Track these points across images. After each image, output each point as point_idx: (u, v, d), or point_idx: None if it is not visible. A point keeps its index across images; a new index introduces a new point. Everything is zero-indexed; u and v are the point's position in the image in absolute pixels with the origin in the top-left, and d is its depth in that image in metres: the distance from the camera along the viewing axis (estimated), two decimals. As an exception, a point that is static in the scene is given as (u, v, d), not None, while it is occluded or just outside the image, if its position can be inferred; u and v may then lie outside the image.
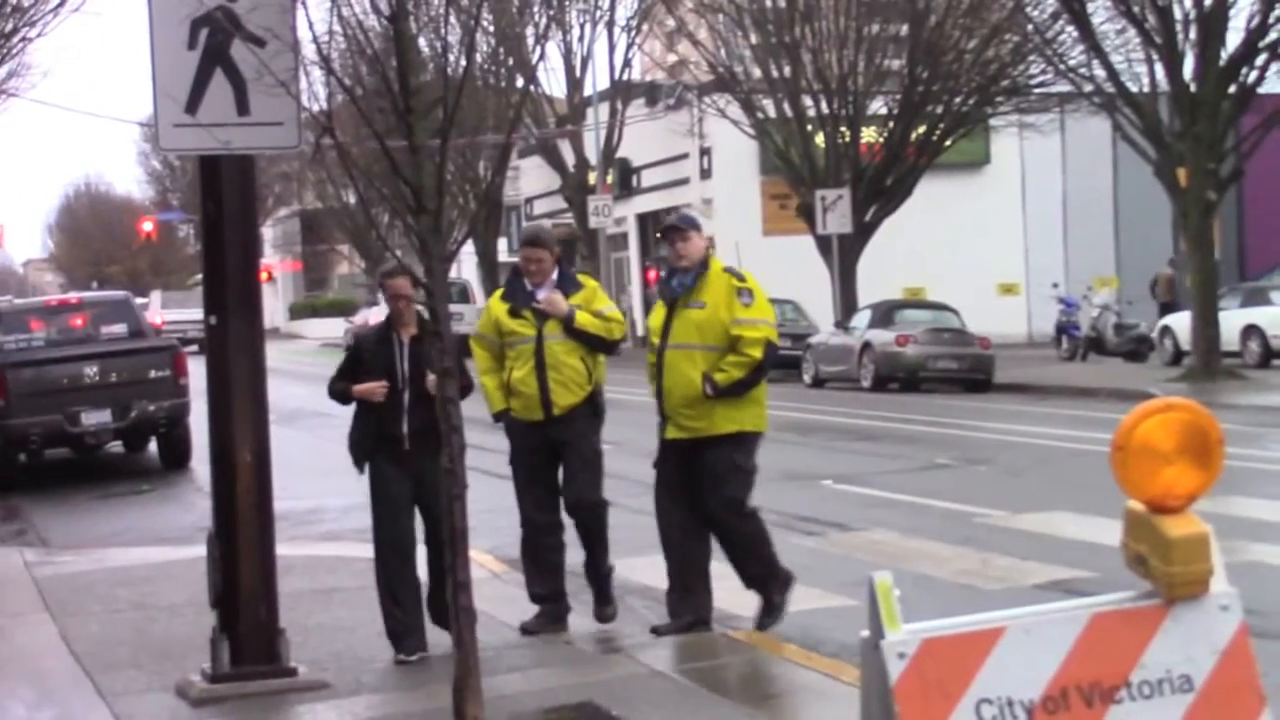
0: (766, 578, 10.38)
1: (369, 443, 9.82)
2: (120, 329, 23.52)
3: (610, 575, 10.66)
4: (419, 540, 9.95)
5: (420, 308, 9.40)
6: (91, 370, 21.94)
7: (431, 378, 9.44)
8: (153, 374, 22.20)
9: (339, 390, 9.98)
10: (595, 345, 10.35)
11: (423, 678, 9.40)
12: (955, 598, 11.13)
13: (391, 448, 9.79)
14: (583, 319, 10.24)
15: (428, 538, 9.80)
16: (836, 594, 11.75)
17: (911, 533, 14.60)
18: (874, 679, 4.29)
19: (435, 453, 9.52)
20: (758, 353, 10.06)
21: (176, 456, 22.71)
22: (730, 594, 11.60)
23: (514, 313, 10.39)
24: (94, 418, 21.87)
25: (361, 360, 9.92)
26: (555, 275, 10.41)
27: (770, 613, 10.32)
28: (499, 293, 10.85)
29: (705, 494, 10.21)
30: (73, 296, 29.44)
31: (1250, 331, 35.08)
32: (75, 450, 22.60)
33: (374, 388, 9.68)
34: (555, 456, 10.41)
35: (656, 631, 10.24)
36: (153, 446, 23.57)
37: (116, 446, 23.46)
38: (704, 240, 10.45)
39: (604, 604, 10.63)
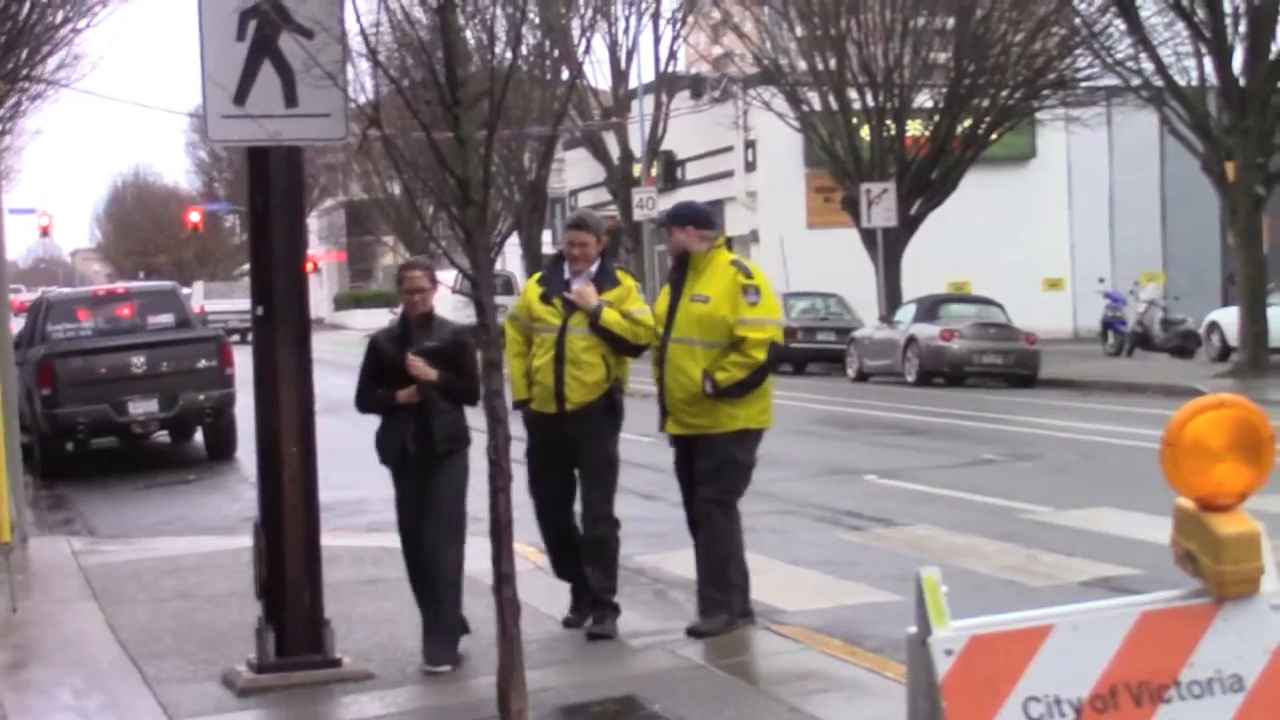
0: (717, 601, 10.04)
1: (395, 442, 9.66)
2: (167, 319, 23.63)
3: (608, 603, 10.24)
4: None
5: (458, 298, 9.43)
6: (139, 360, 22.06)
7: (414, 360, 9.40)
8: (200, 364, 22.32)
9: (380, 400, 9.67)
10: (618, 346, 10.15)
11: (467, 670, 9.41)
12: (1000, 594, 11.10)
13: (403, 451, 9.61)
14: (609, 317, 10.05)
15: (427, 535, 9.59)
16: (880, 589, 11.73)
17: (956, 528, 14.56)
18: (921, 675, 4.27)
19: (449, 455, 9.52)
20: (761, 355, 9.90)
21: (222, 446, 22.81)
22: (773, 588, 11.61)
23: (545, 298, 10.26)
24: (141, 407, 21.99)
25: (381, 359, 9.75)
26: (595, 267, 10.29)
27: (706, 628, 9.95)
28: (537, 276, 10.78)
29: (697, 484, 10.10)
30: (120, 286, 29.59)
31: (1301, 327, 34.88)
32: (122, 440, 22.71)
33: (413, 395, 9.47)
34: (568, 453, 10.22)
35: (692, 633, 10.04)
36: (198, 436, 23.68)
37: (162, 436, 23.57)
38: (689, 233, 10.15)
39: (598, 620, 10.21)
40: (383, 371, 9.58)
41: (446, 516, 9.49)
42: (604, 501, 10.26)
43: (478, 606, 9.70)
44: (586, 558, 10.34)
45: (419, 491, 9.53)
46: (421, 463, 9.49)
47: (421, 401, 9.45)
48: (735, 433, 10.02)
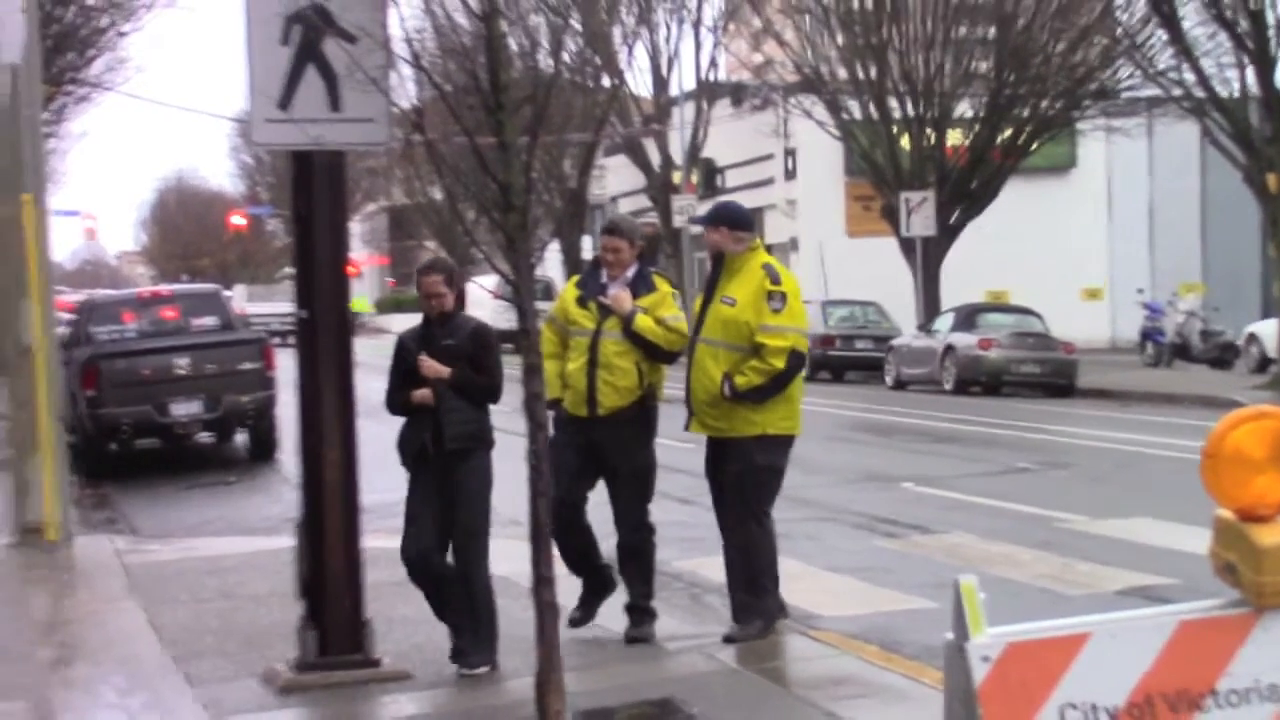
0: (752, 607, 10.03)
1: (415, 441, 9.57)
2: (210, 321, 23.72)
3: (645, 608, 10.25)
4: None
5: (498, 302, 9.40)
6: (182, 362, 22.16)
7: (425, 360, 9.37)
8: (242, 366, 22.41)
9: (400, 403, 9.62)
10: (651, 352, 10.06)
11: (505, 671, 9.42)
12: (1036, 602, 11.06)
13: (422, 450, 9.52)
14: (643, 323, 9.99)
15: (453, 540, 9.56)
16: (917, 596, 11.72)
17: (991, 536, 14.53)
18: (958, 681, 4.27)
19: (465, 455, 9.44)
20: (780, 363, 9.80)
21: (264, 447, 22.89)
22: (809, 594, 11.61)
23: (581, 302, 10.22)
24: (184, 409, 22.08)
25: (406, 360, 9.63)
26: (632, 271, 10.25)
27: (742, 634, 9.94)
28: (575, 279, 10.72)
29: (726, 489, 10.09)
30: (164, 289, 29.71)
31: (1339, 340, 34.80)
32: (165, 440, 22.80)
33: (428, 397, 9.40)
34: (595, 458, 10.11)
35: (728, 639, 10.00)
36: (240, 437, 23.77)
37: (205, 437, 23.66)
38: (724, 234, 10.13)
39: (635, 624, 10.22)
40: (409, 372, 9.57)
41: (467, 524, 9.45)
42: (639, 510, 10.24)
43: (515, 608, 9.71)
44: (622, 564, 10.34)
45: (433, 493, 9.44)
46: (438, 463, 9.42)
47: (437, 401, 9.40)
48: (756, 438, 9.95)
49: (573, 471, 10.01)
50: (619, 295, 10.07)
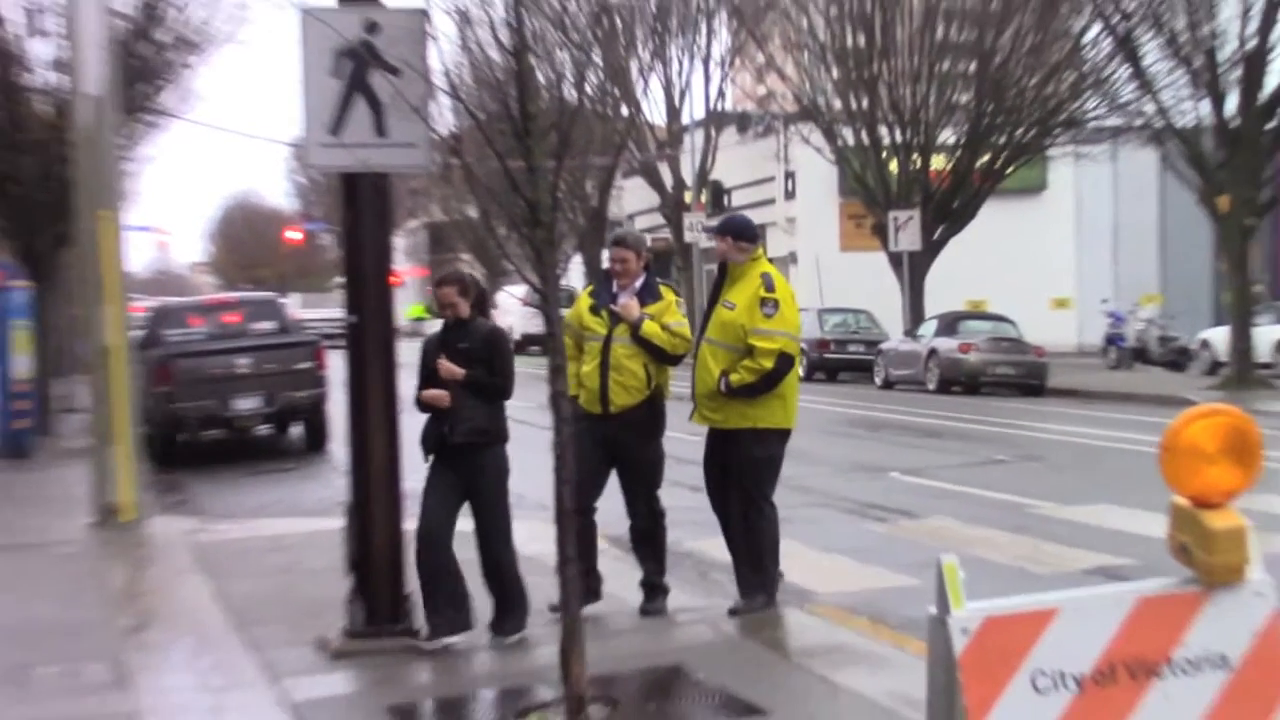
0: (755, 583, 10.00)
1: (434, 436, 9.48)
2: (269, 325, 23.77)
3: (658, 584, 10.23)
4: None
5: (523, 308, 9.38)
6: (244, 362, 22.20)
7: (442, 362, 9.29)
8: (297, 365, 22.44)
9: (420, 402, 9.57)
10: (657, 355, 10.01)
11: (531, 640, 9.42)
12: (1011, 580, 11.05)
13: (441, 444, 9.43)
14: (649, 329, 9.93)
15: (477, 526, 9.51)
16: (902, 574, 11.72)
17: (970, 521, 14.52)
18: (940, 651, 4.27)
19: (479, 449, 9.37)
20: (769, 363, 9.74)
21: (317, 439, 22.92)
22: (806, 572, 11.60)
23: (594, 310, 10.16)
24: (245, 403, 22.12)
25: (428, 363, 9.55)
26: (640, 282, 10.17)
27: (746, 608, 9.92)
28: (589, 288, 10.67)
29: (731, 480, 10.07)
30: (228, 296, 29.75)
31: (1283, 346, 34.83)
32: (228, 432, 22.85)
33: (442, 399, 9.34)
34: (609, 452, 10.04)
35: (733, 612, 10.00)
36: (296, 430, 23.79)
37: (263, 429, 23.70)
38: (730, 243, 10.07)
39: (649, 599, 10.21)
40: (430, 373, 9.47)
41: (489, 516, 9.42)
42: (650, 498, 10.22)
43: (544, 585, 9.71)
44: (636, 546, 10.34)
45: (448, 482, 9.37)
46: (454, 456, 9.34)
47: (452, 401, 9.30)
48: (751, 431, 9.93)
49: (583, 466, 9.70)
50: (628, 304, 10.03)
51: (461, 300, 9.43)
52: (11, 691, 8.77)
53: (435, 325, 9.85)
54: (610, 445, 10.04)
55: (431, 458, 9.48)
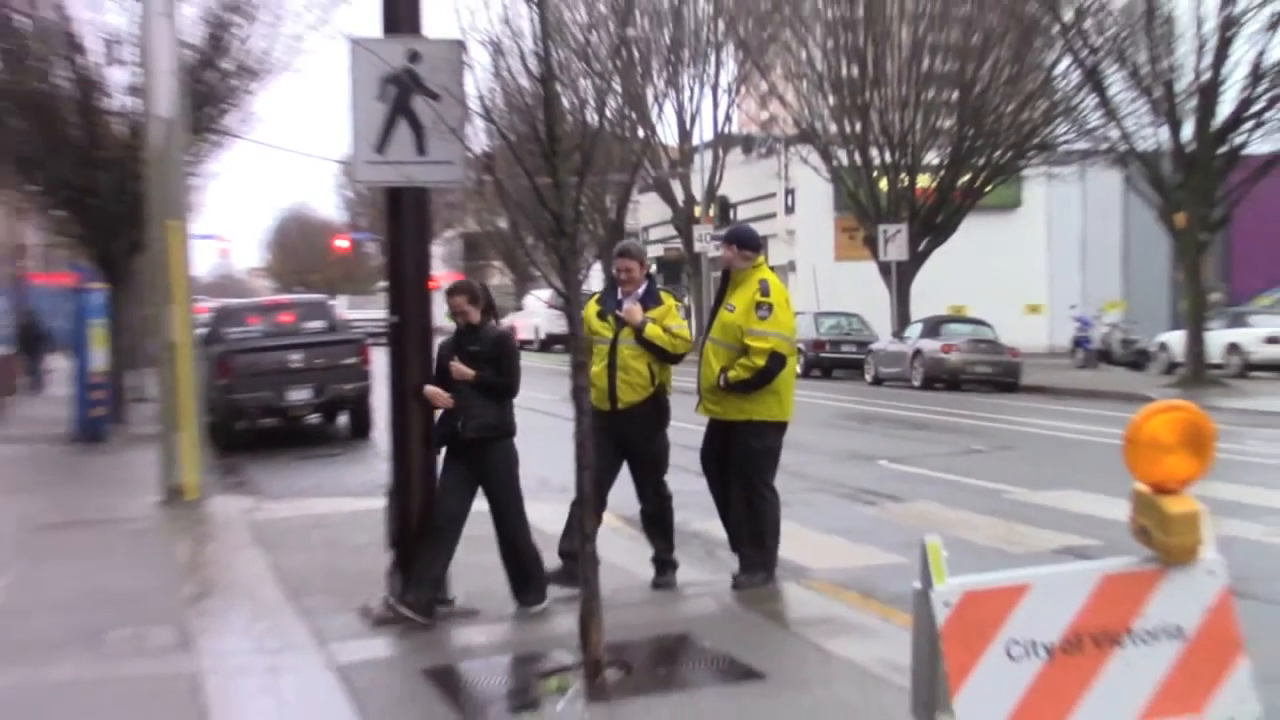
0: (756, 560, 9.97)
1: (444, 431, 9.41)
2: (319, 324, 23.82)
3: (667, 560, 10.22)
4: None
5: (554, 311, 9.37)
6: (296, 357, 22.24)
7: (454, 364, 9.22)
8: (344, 361, 22.47)
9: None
10: (660, 355, 9.96)
11: (554, 610, 9.42)
12: (987, 558, 11.03)
13: (453, 438, 9.37)
14: (652, 331, 9.89)
15: (493, 512, 9.45)
16: (890, 552, 11.69)
17: (951, 505, 14.49)
18: (924, 622, 4.26)
19: (489, 443, 9.27)
20: (761, 361, 9.71)
21: (361, 427, 22.94)
22: (803, 550, 11.58)
23: (601, 315, 10.11)
24: (297, 395, 22.16)
25: (442, 364, 9.47)
26: (642, 289, 10.11)
27: (748, 582, 9.91)
28: (596, 295, 10.57)
29: (733, 467, 10.01)
30: (282, 298, 29.77)
31: (1232, 348, 34.81)
32: (282, 420, 22.88)
33: (440, 398, 9.26)
34: (619, 445, 9.96)
35: (736, 586, 9.97)
36: (342, 419, 23.82)
37: (313, 418, 23.72)
38: (735, 251, 10.01)
39: (660, 574, 10.20)
40: (444, 374, 9.38)
41: (503, 504, 9.35)
42: (657, 483, 10.18)
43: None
44: (646, 527, 10.32)
45: (460, 473, 9.30)
46: (464, 449, 9.28)
47: (462, 399, 9.23)
48: (748, 423, 9.89)
49: (598, 459, 9.86)
50: (632, 309, 10.00)
51: (471, 308, 9.37)
52: (87, 652, 8.80)
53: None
54: (620, 438, 9.99)
55: (444, 451, 9.44)
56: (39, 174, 26.10)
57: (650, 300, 10.12)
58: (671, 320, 10.06)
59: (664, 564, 10.26)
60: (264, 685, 8.00)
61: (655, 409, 10.07)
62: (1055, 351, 48.47)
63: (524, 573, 9.49)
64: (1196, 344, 31.92)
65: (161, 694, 7.82)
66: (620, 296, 10.12)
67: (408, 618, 9.18)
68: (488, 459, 9.33)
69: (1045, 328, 52.29)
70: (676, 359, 10.13)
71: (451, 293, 9.51)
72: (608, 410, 9.94)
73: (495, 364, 9.30)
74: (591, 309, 10.26)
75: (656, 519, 10.25)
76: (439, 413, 9.45)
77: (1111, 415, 24.18)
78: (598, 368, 10.03)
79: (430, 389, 9.33)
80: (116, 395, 24.68)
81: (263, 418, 22.57)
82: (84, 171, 24.75)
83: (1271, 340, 34.48)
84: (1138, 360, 39.09)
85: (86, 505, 15.58)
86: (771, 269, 10.48)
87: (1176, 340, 35.16)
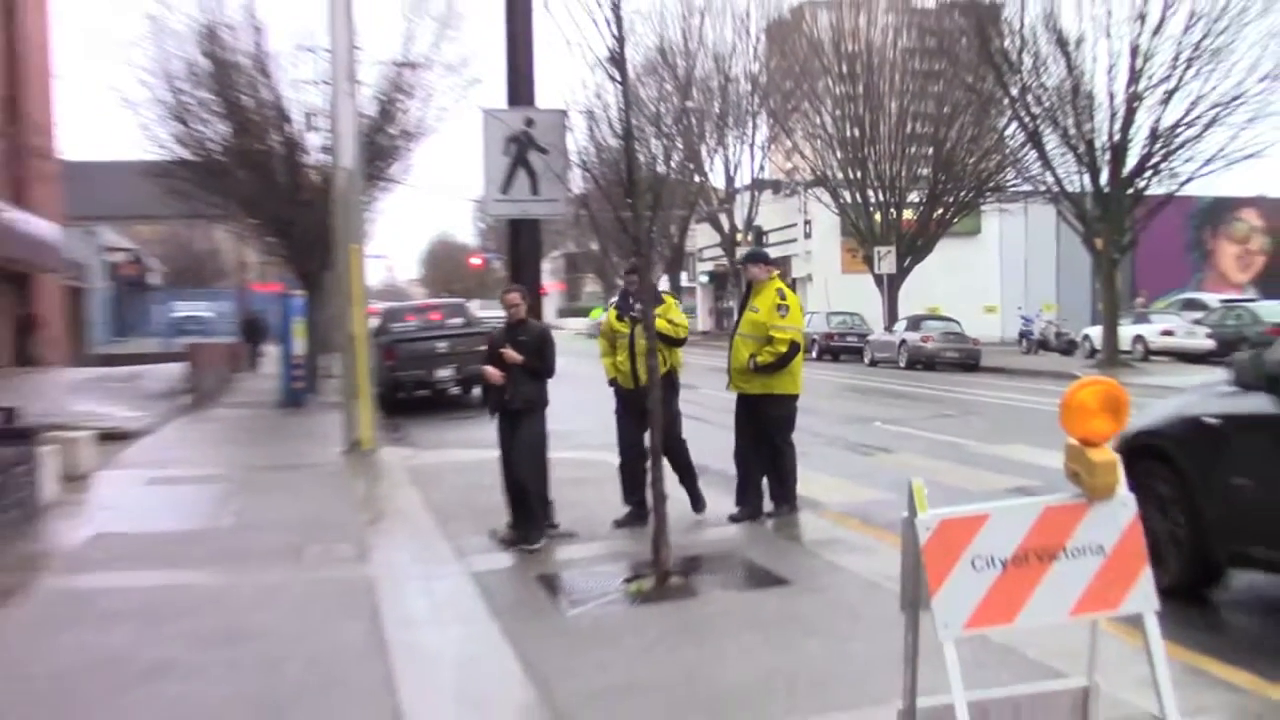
0: (779, 496, 9.86)
1: (496, 401, 9.25)
2: (459, 321, 23.90)
3: (696, 490, 9.99)
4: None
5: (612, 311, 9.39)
6: (442, 345, 22.35)
7: (506, 350, 9.00)
8: (478, 348, 22.48)
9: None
10: (666, 341, 9.66)
11: (631, 534, 9.42)
12: (956, 495, 10.91)
13: (503, 406, 9.20)
14: (658, 324, 9.47)
15: (515, 461, 9.14)
16: (884, 490, 11.61)
17: (927, 455, 14.37)
18: (909, 543, 4.22)
19: (523, 411, 9.03)
20: (783, 348, 9.58)
21: (489, 397, 22.96)
22: (817, 489, 11.51)
23: (620, 318, 9.93)
24: (443, 373, 22.28)
25: (494, 350, 9.27)
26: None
27: (775, 513, 9.75)
28: (614, 304, 10.29)
29: (765, 429, 9.81)
30: (432, 302, 30.01)
31: (1137, 339, 34.48)
32: (432, 392, 23.01)
33: (494, 375, 9.09)
34: (641, 413, 9.56)
35: (768, 516, 9.81)
36: (475, 391, 23.90)
37: (455, 391, 23.83)
38: (757, 268, 9.85)
39: (694, 504, 9.98)
40: (497, 357, 9.15)
41: (527, 457, 9.09)
42: (673, 433, 9.70)
43: (611, 501, 9.62)
44: (680, 474, 9.92)
45: (510, 432, 9.14)
46: (511, 415, 9.14)
47: (511, 377, 9.08)
48: (768, 396, 9.75)
49: (629, 425, 9.78)
50: (508, 353, 9.60)
51: (522, 303, 9.13)
52: (290, 562, 8.90)
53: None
54: (642, 409, 9.84)
55: (497, 416, 9.25)
56: (257, 211, 26.49)
57: (655, 300, 9.92)
58: (672, 313, 9.86)
59: (695, 499, 10.03)
60: (420, 587, 8.06)
61: (669, 383, 9.74)
62: (1006, 341, 47.95)
63: (524, 514, 9.17)
64: (1111, 336, 31.71)
65: (346, 593, 7.89)
66: (631, 303, 9.83)
67: (519, 541, 9.10)
68: (523, 425, 9.11)
69: (999, 323, 51.78)
70: (680, 342, 9.88)
71: (505, 292, 9.25)
72: (631, 389, 9.76)
73: (538, 352, 9.13)
74: (612, 314, 10.09)
75: (682, 467, 9.96)
76: (494, 387, 9.14)
77: (1048, 388, 23.86)
78: (622, 357, 9.82)
79: (487, 368, 9.17)
80: (311, 373, 24.95)
81: (417, 390, 22.72)
82: (289, 209, 25.09)
83: (1165, 333, 34.12)
84: (1067, 348, 38.61)
85: (290, 453, 15.75)
86: (793, 280, 10.39)
87: (1096, 333, 34.73)
